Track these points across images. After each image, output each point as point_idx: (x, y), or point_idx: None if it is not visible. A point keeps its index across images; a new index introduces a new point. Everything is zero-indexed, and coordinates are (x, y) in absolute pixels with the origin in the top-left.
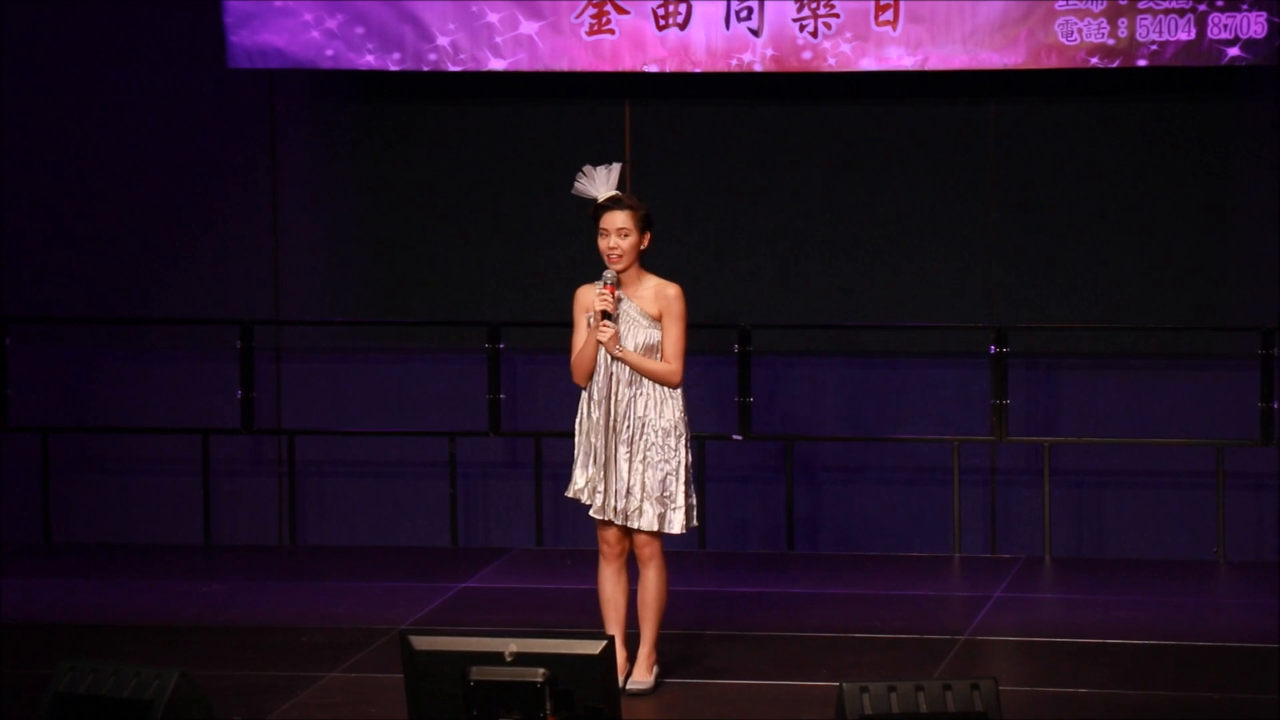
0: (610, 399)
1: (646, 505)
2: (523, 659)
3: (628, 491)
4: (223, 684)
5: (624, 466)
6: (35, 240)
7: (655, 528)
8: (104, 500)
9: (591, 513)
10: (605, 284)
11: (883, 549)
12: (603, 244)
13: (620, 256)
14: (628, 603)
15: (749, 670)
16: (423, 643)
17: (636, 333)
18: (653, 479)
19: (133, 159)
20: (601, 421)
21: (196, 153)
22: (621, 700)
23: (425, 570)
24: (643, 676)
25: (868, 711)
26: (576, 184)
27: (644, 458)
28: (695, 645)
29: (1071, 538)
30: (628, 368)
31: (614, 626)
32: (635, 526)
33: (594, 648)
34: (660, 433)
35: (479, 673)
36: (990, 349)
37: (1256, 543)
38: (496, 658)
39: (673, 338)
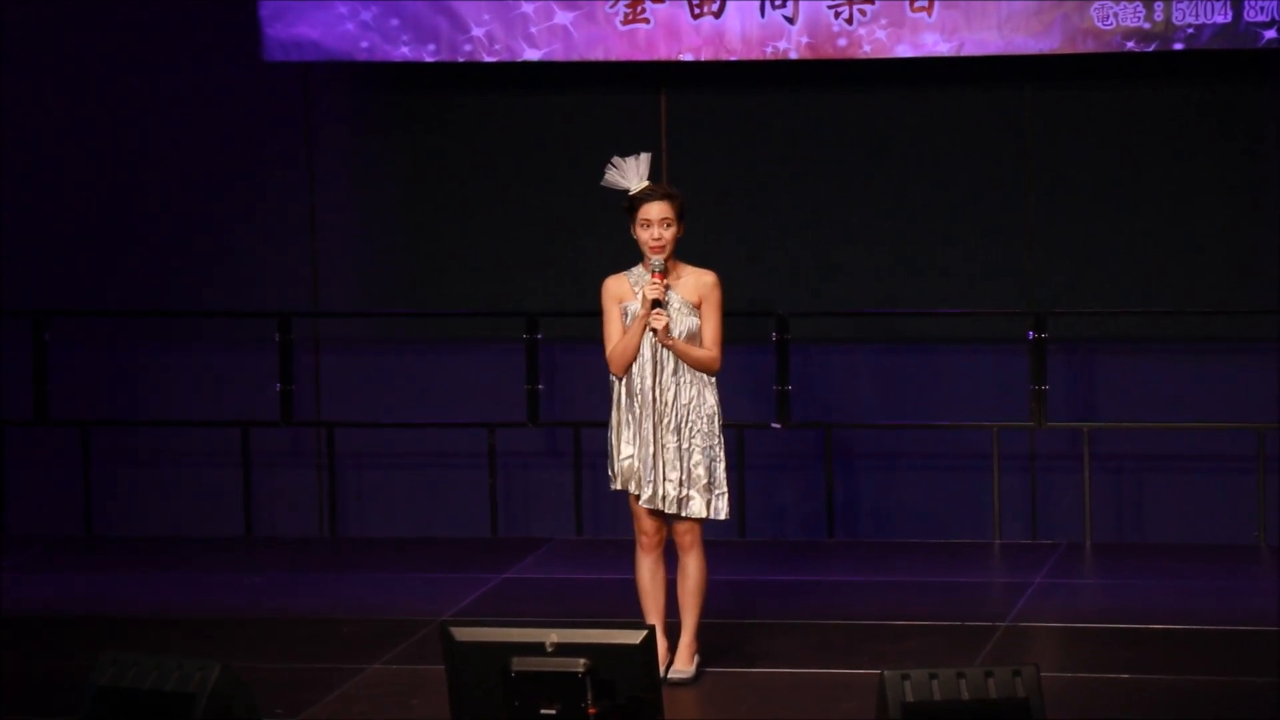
0: (656, 388)
1: (695, 493)
2: (564, 649)
3: (679, 480)
4: (264, 676)
5: (673, 455)
6: (74, 234)
7: (704, 515)
8: (144, 493)
9: (642, 502)
10: (654, 272)
11: (923, 536)
12: (645, 234)
13: (664, 246)
14: (666, 592)
15: (790, 658)
16: (464, 634)
17: (679, 321)
18: (700, 466)
19: (170, 153)
20: (647, 411)
21: (233, 146)
22: (663, 690)
23: (465, 561)
24: (684, 665)
25: (909, 699)
26: (607, 176)
27: (690, 445)
28: (736, 634)
29: (1112, 523)
30: (672, 356)
31: (654, 616)
32: (685, 514)
33: (635, 637)
34: (705, 419)
35: (520, 663)
36: (1029, 334)
37: None
38: (537, 648)
39: (712, 325)
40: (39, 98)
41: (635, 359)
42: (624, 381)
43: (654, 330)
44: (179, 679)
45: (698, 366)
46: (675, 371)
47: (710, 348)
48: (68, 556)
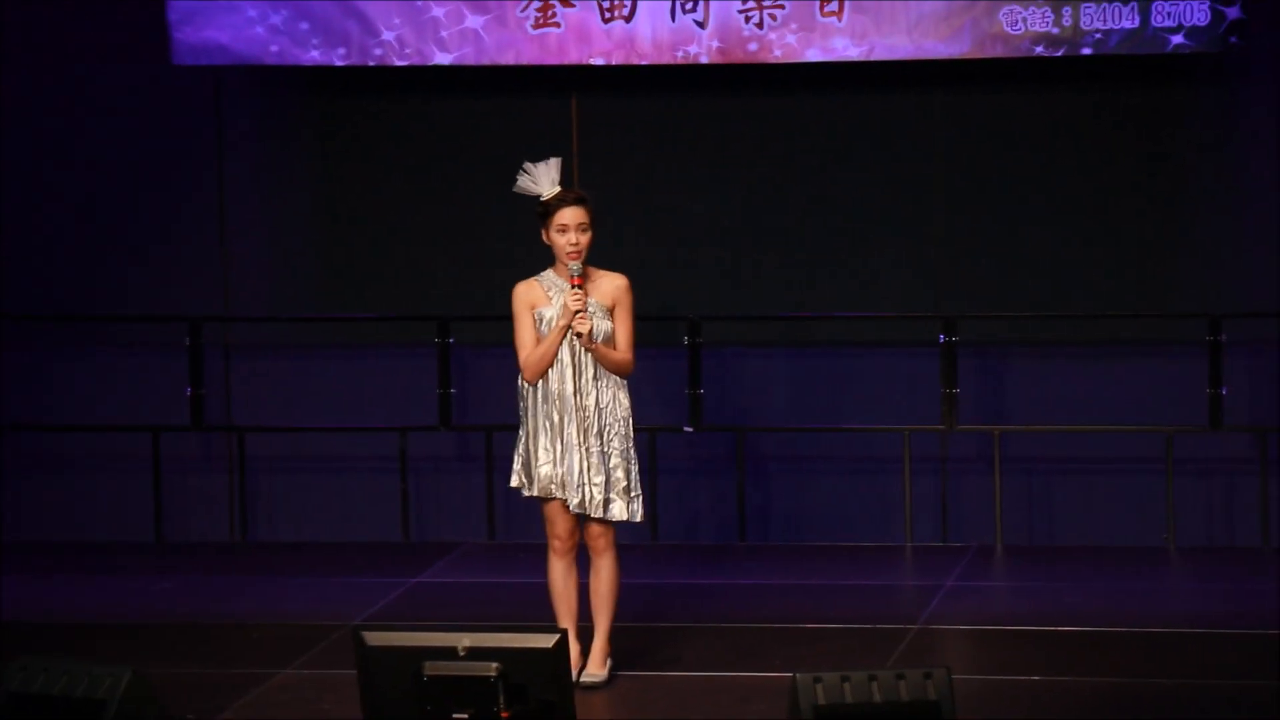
0: (577, 393)
1: (614, 496)
2: (476, 654)
3: (603, 484)
4: (175, 682)
5: (596, 459)
6: None
7: (624, 517)
8: (54, 498)
9: (573, 506)
10: (572, 277)
11: (834, 539)
12: (561, 239)
13: (581, 251)
14: (579, 596)
15: (702, 662)
16: (375, 638)
17: (596, 325)
18: (618, 470)
19: (79, 156)
20: (567, 416)
21: (144, 149)
22: (576, 693)
23: (377, 565)
24: (597, 669)
25: (821, 702)
26: (519, 182)
27: (609, 449)
28: (649, 637)
29: (1022, 525)
30: (591, 361)
31: (566, 620)
32: (606, 517)
33: (547, 641)
34: (621, 422)
35: (432, 668)
36: (939, 338)
37: (1206, 528)
38: (449, 653)
39: (625, 327)
40: None
41: (552, 364)
42: (539, 387)
43: (578, 335)
44: (89, 685)
45: (614, 369)
46: (595, 376)
47: (624, 350)
48: None
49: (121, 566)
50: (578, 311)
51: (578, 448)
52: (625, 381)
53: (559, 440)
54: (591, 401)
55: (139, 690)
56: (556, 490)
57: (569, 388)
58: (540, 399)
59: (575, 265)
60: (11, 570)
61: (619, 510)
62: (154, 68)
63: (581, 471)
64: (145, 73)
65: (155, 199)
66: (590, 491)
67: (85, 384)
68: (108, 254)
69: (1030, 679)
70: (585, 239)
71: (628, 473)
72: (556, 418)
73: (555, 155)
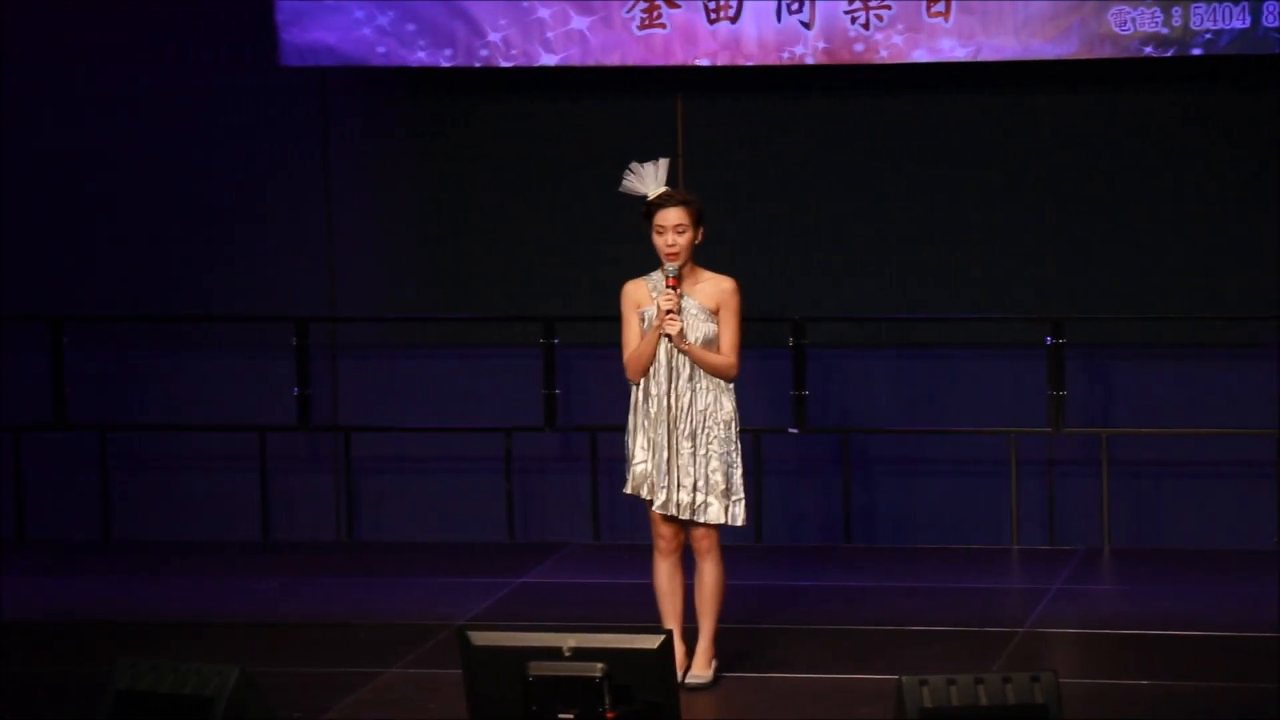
0: (671, 394)
1: (712, 499)
2: (581, 654)
3: (694, 486)
4: (281, 681)
5: (688, 461)
6: (93, 239)
7: (721, 521)
8: (161, 498)
9: (656, 508)
10: (667, 278)
11: (940, 541)
12: (659, 241)
13: (677, 253)
14: (684, 597)
15: (807, 664)
16: (481, 638)
17: (695, 327)
18: (717, 473)
19: (187, 157)
20: (661, 416)
21: (250, 150)
22: (680, 695)
23: (482, 566)
24: (701, 670)
25: (927, 705)
26: (625, 181)
27: (707, 452)
28: (753, 639)
29: (1130, 528)
30: (688, 363)
31: (671, 621)
32: (701, 520)
33: (652, 642)
34: (722, 425)
35: (537, 668)
36: (1047, 340)
37: None
38: (555, 653)
39: (729, 331)
40: (55, 103)
41: (651, 365)
42: (641, 387)
43: (668, 336)
44: (196, 683)
45: (714, 372)
46: (691, 378)
47: (727, 354)
48: (85, 561)
49: (228, 566)
50: (668, 312)
51: (667, 448)
52: (730, 385)
53: (653, 440)
54: (686, 403)
55: (246, 689)
56: (646, 490)
57: (664, 388)
58: (640, 399)
59: (671, 266)
60: (121, 570)
61: (716, 513)
62: (261, 69)
63: (670, 473)
64: (252, 74)
65: (263, 200)
66: (678, 494)
67: (193, 384)
68: (217, 254)
69: (1138, 683)
70: (683, 240)
71: (727, 475)
72: (651, 418)
73: (660, 156)
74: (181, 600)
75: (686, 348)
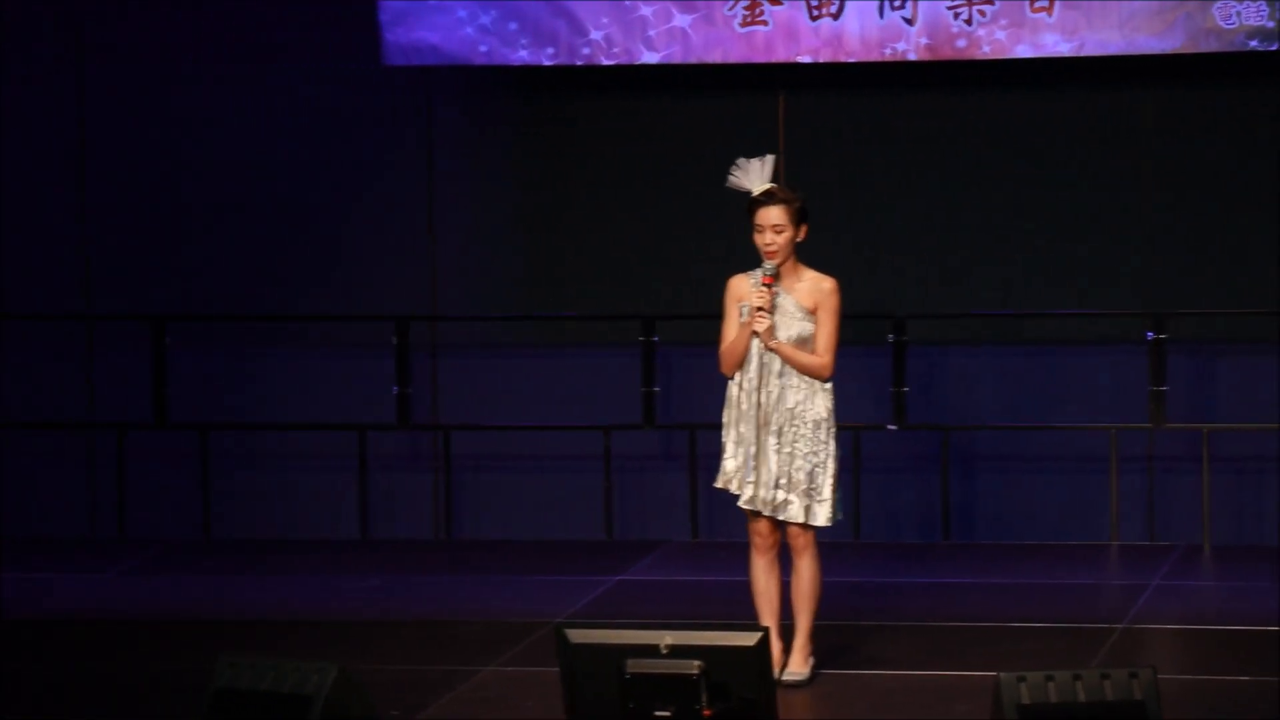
0: (761, 390)
1: (793, 497)
2: (678, 651)
3: (775, 483)
4: (380, 678)
5: (773, 457)
6: (195, 239)
7: (800, 520)
8: (262, 496)
9: (741, 503)
10: (765, 275)
11: (1039, 538)
12: (758, 239)
13: (776, 252)
14: (780, 594)
15: (905, 660)
16: (578, 636)
17: (790, 325)
18: (800, 471)
19: (291, 156)
20: (751, 412)
21: (353, 150)
22: (777, 692)
23: (580, 563)
24: (798, 667)
25: (1025, 701)
26: (731, 177)
27: (792, 450)
28: (850, 635)
29: (1230, 525)
30: (779, 360)
31: (768, 618)
32: (782, 518)
33: (749, 639)
34: (810, 425)
35: (635, 665)
36: (1148, 335)
37: None
38: (652, 650)
39: (826, 331)
40: (159, 104)
41: (743, 360)
42: (735, 382)
43: (756, 334)
44: (296, 681)
45: (805, 372)
46: (781, 374)
47: (821, 354)
48: (186, 559)
49: (328, 564)
50: (759, 309)
51: (755, 444)
52: (827, 384)
53: (741, 436)
54: (775, 399)
55: (345, 686)
56: (734, 485)
57: (754, 384)
58: (734, 394)
59: (769, 264)
60: (221, 568)
61: (795, 511)
62: (365, 68)
63: (756, 469)
64: (357, 73)
65: (365, 199)
66: (761, 490)
67: (294, 382)
68: (318, 253)
69: (1237, 679)
70: (781, 239)
71: (811, 475)
72: (743, 413)
73: (763, 154)
74: (281, 599)
75: (775, 345)
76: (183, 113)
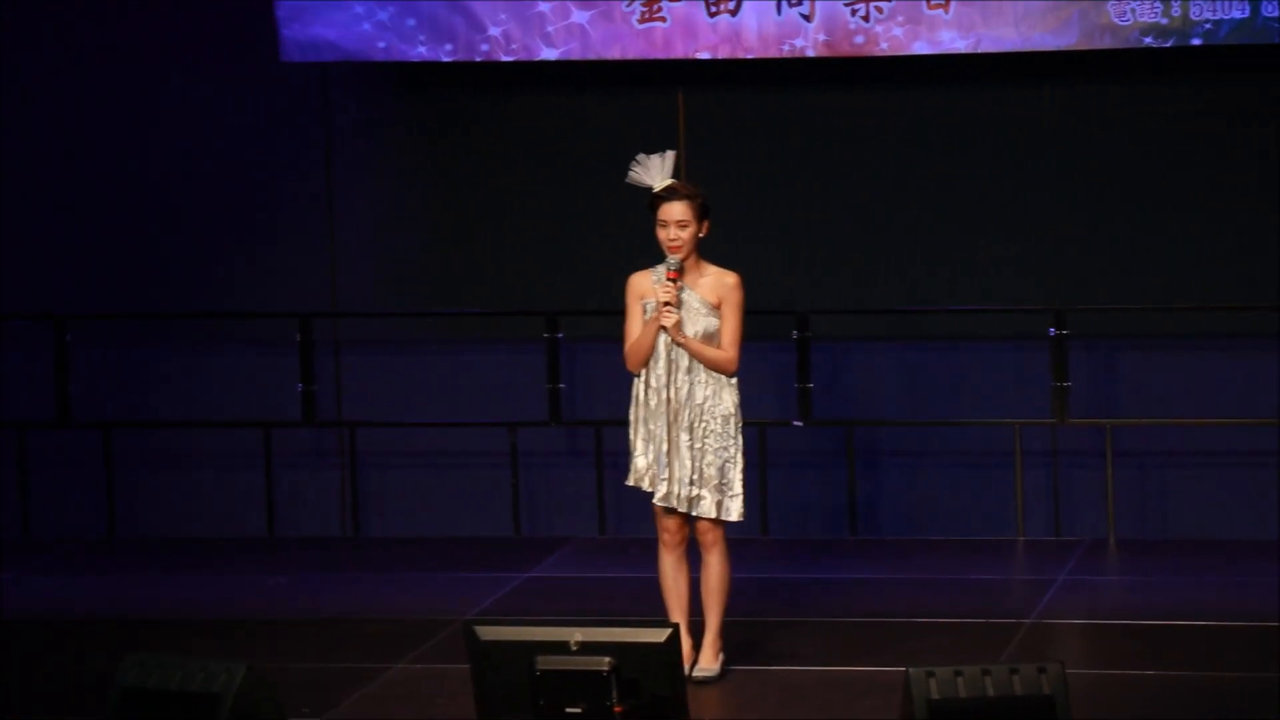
0: (670, 386)
1: (706, 492)
2: (588, 648)
3: (690, 479)
4: (289, 677)
5: (685, 453)
6: (95, 237)
7: (714, 515)
8: (167, 495)
9: (656, 500)
10: (670, 270)
11: (946, 533)
12: (661, 235)
13: (679, 247)
14: (690, 590)
15: (814, 656)
16: (488, 633)
17: (696, 321)
18: (712, 466)
19: (189, 154)
20: (660, 408)
21: (252, 146)
22: (687, 688)
23: (489, 560)
24: (708, 664)
25: (934, 696)
26: (631, 173)
27: (703, 445)
28: (760, 632)
29: (1135, 519)
30: (687, 355)
31: (678, 614)
32: (695, 513)
33: (659, 636)
34: (719, 420)
35: (545, 662)
36: (1050, 331)
37: None
38: (562, 647)
39: (730, 326)
40: (56, 101)
41: (650, 357)
42: (641, 379)
43: (664, 328)
44: (204, 680)
45: (712, 366)
46: (690, 370)
47: (727, 348)
48: (90, 559)
49: (234, 562)
50: (666, 304)
51: (667, 441)
52: (733, 379)
53: (651, 433)
54: (684, 396)
55: (254, 685)
56: (646, 482)
57: (663, 381)
58: (641, 391)
59: (673, 259)
60: (127, 568)
61: (708, 506)
62: (263, 65)
63: (670, 465)
64: (254, 70)
65: (265, 196)
66: (676, 486)
67: (197, 380)
68: (219, 251)
69: (1145, 673)
70: (685, 234)
71: (722, 470)
72: (651, 410)
73: (662, 150)
74: (188, 597)
75: (683, 340)
76: (80, 111)
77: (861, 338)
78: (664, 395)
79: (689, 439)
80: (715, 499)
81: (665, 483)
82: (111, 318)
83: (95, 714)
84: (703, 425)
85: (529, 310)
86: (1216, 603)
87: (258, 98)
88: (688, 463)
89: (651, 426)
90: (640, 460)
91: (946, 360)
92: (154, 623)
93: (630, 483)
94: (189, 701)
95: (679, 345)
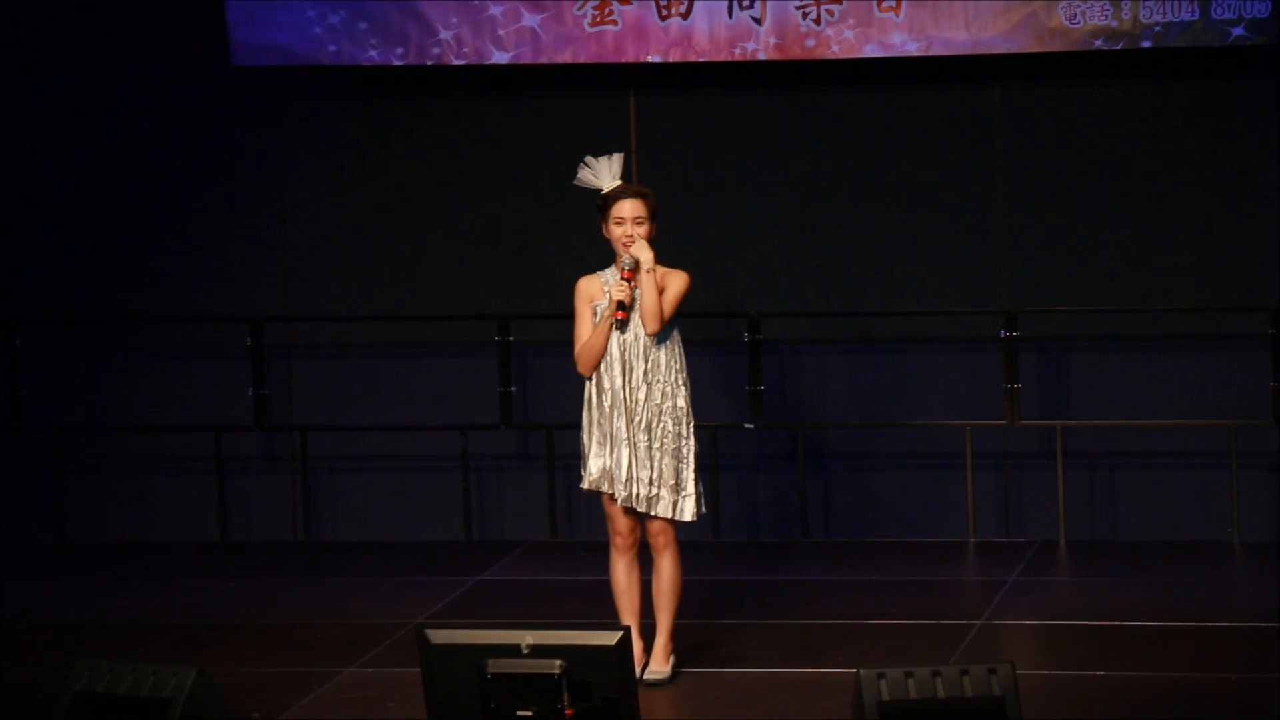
0: (626, 388)
1: (663, 492)
2: (539, 651)
3: (649, 480)
4: (240, 681)
5: (644, 454)
6: (43, 242)
7: (670, 515)
8: (118, 500)
9: (619, 501)
10: (622, 270)
11: (896, 535)
12: (617, 232)
13: (635, 242)
14: (641, 593)
15: (765, 658)
16: (439, 636)
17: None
18: (668, 466)
19: (138, 158)
20: (618, 410)
21: (202, 150)
22: (639, 690)
23: (440, 564)
24: (660, 666)
25: (885, 697)
26: (580, 175)
27: (661, 445)
28: (711, 634)
29: (1085, 521)
30: (642, 358)
31: (629, 617)
32: (653, 513)
33: (610, 638)
34: (674, 420)
35: (496, 665)
36: (1000, 333)
37: (1270, 523)
38: (513, 650)
39: (670, 295)
40: (9, 104)
41: (603, 358)
42: (594, 381)
43: (620, 305)
44: (154, 685)
45: (648, 311)
46: (646, 374)
47: (664, 305)
48: (41, 565)
49: (185, 567)
50: (619, 302)
51: (626, 442)
52: (684, 380)
53: (609, 435)
54: (641, 396)
55: (204, 690)
56: (605, 484)
57: (619, 382)
58: (594, 393)
59: (628, 259)
60: (77, 573)
61: (664, 507)
62: (213, 68)
63: (628, 466)
64: (204, 74)
65: (215, 200)
66: (637, 487)
67: (147, 385)
68: (169, 255)
69: (1095, 674)
70: (641, 232)
71: (677, 470)
72: (606, 412)
73: (613, 153)
74: (138, 602)
75: (635, 281)
76: (29, 113)
77: (813, 340)
78: (620, 396)
79: (647, 439)
80: (671, 499)
81: (626, 484)
82: (61, 323)
83: (47, 719)
84: (660, 425)
85: (480, 314)
86: (1166, 604)
87: (209, 101)
88: (648, 464)
89: (608, 428)
90: (594, 463)
91: (898, 362)
92: (105, 628)
93: (585, 486)
94: (139, 707)
95: (632, 285)
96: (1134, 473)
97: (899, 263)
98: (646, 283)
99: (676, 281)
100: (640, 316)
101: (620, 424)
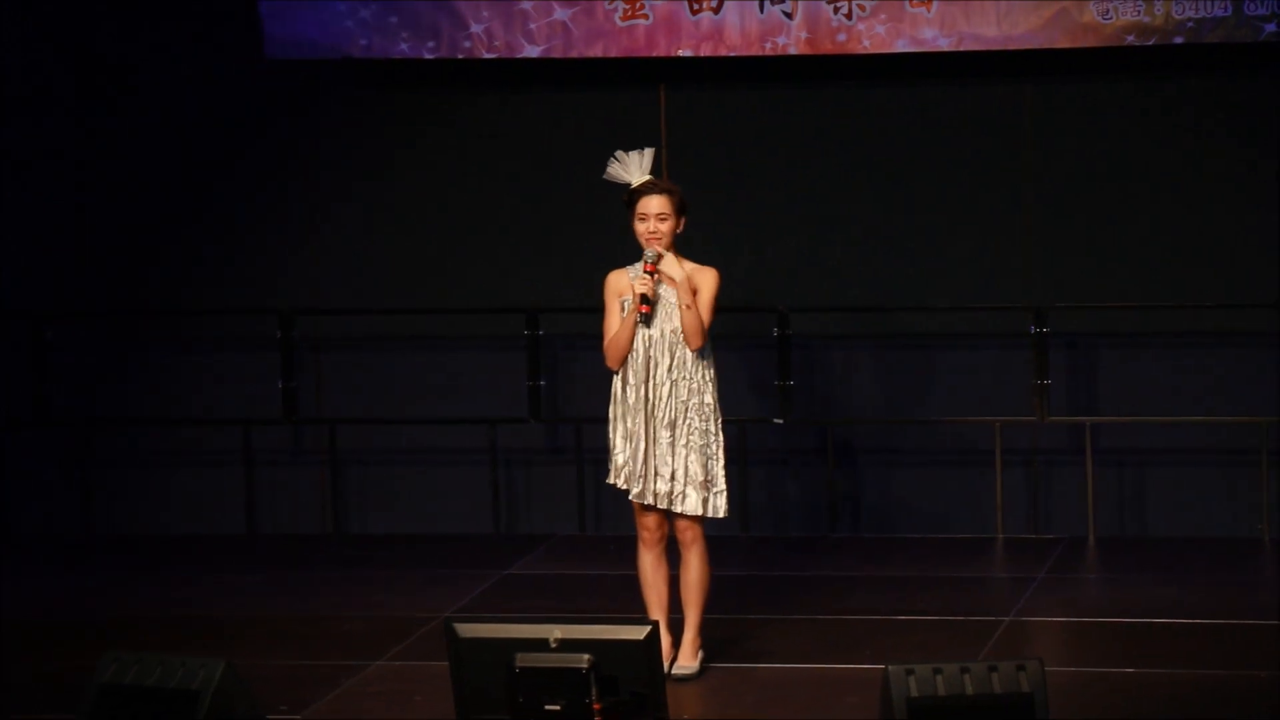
0: (649, 384)
1: (690, 490)
2: (567, 645)
3: (671, 476)
4: (267, 674)
5: (666, 451)
6: (74, 234)
7: (700, 512)
8: (146, 493)
9: (632, 497)
10: (648, 263)
11: (925, 531)
12: (641, 228)
13: (659, 239)
14: (669, 587)
15: (793, 654)
16: (467, 630)
17: (673, 316)
18: (696, 463)
19: (171, 150)
20: (639, 405)
21: (234, 143)
22: (667, 685)
23: (468, 558)
24: (687, 661)
25: (913, 694)
26: (609, 169)
27: (687, 442)
28: (739, 629)
29: (1114, 518)
30: (667, 353)
31: (657, 611)
32: (679, 511)
33: (638, 633)
34: (701, 417)
35: (524, 659)
36: (1030, 329)
37: None
38: (541, 644)
39: (704, 299)
40: (35, 97)
41: (629, 353)
42: (620, 377)
43: (644, 299)
44: (182, 677)
45: (687, 325)
46: (670, 369)
47: (701, 312)
48: (69, 558)
49: (214, 560)
50: (643, 297)
51: (645, 438)
52: (710, 376)
53: (631, 430)
54: (665, 392)
55: (232, 682)
56: (622, 480)
57: (641, 378)
58: (620, 389)
59: (650, 252)
60: (105, 566)
61: (694, 504)
62: (246, 61)
63: (646, 463)
64: (237, 66)
65: (246, 193)
66: (655, 484)
67: (176, 379)
68: (200, 248)
69: (1123, 671)
70: (665, 227)
71: (705, 466)
72: (630, 407)
73: (643, 147)
74: (167, 595)
75: (660, 275)
76: (60, 108)
77: (842, 336)
78: (642, 392)
79: (670, 436)
80: (701, 496)
81: (642, 480)
82: (91, 317)
83: (73, 711)
84: (686, 422)
85: (510, 307)
86: (1196, 601)
87: (241, 94)
88: (668, 460)
89: (630, 423)
90: (620, 457)
91: (927, 358)
92: (132, 621)
93: (610, 480)
94: (167, 698)
95: (654, 280)
96: (1163, 469)
97: (928, 258)
98: (678, 301)
99: (708, 281)
100: (684, 338)
101: (640, 420)
